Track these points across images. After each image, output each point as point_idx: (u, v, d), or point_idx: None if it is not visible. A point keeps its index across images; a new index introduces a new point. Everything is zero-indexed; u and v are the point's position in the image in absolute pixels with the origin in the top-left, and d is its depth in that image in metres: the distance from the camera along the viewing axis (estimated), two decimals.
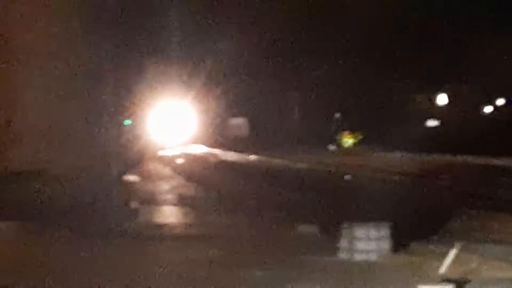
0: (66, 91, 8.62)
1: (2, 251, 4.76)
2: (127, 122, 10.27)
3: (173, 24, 15.75)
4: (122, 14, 9.74)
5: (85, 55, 8.72)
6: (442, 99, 32.57)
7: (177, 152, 17.64)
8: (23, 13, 8.52)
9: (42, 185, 7.13)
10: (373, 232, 4.43)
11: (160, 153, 15.96)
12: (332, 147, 28.94)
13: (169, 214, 8.10)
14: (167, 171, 14.54)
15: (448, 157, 19.02)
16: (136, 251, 5.07)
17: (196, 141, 21.08)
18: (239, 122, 25.06)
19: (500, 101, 30.65)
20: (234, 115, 24.44)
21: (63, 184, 7.01)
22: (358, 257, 4.41)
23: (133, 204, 7.65)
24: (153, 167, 14.93)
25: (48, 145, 8.19)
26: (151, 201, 8.88)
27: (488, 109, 31.88)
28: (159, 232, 6.34)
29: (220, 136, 21.22)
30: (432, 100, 32.70)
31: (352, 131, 29.66)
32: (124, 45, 10.02)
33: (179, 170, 14.38)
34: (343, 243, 4.56)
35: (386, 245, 4.52)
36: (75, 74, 8.72)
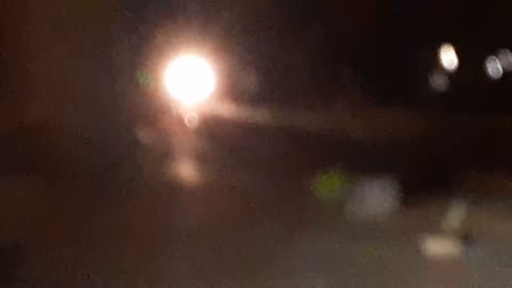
0: (82, 47, 8.78)
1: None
2: (145, 78, 10.45)
3: None
4: None
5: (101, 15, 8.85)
6: None
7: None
8: None
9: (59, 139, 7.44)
10: (379, 189, 4.55)
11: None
12: None
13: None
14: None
15: None
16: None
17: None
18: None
19: None
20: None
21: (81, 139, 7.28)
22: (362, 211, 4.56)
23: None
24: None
25: (64, 100, 8.47)
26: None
27: None
28: None
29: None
30: None
31: None
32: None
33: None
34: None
35: (388, 199, 4.63)
36: (92, 31, 8.84)
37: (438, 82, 10.93)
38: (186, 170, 8.15)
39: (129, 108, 8.65)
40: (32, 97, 8.30)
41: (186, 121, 10.14)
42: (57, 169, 6.23)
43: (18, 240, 3.50)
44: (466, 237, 3.50)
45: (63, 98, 8.42)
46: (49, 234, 3.80)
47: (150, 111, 9.59)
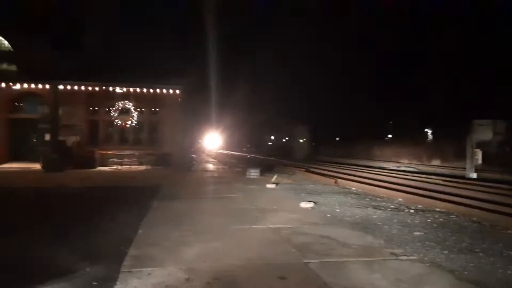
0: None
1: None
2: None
3: None
4: None
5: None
6: None
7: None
8: None
9: None
10: (256, 170, 14.78)
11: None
12: None
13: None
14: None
15: None
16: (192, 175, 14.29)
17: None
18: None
19: None
20: None
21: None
22: (251, 176, 14.74)
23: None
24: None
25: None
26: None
27: None
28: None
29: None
30: None
31: None
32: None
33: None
34: (248, 172, 14.83)
35: (259, 173, 14.97)
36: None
37: None
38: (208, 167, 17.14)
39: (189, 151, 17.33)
40: None
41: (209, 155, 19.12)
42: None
43: None
44: (277, 183, 13.73)
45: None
46: None
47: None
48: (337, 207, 8.88)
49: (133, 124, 21.51)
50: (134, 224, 6.55)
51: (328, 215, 7.82)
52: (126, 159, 20.62)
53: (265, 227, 6.58)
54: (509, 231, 6.62)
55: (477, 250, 5.42)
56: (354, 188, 13.05)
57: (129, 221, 6.84)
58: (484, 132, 30.53)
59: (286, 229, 6.39)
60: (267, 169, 18.79)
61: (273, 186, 12.91)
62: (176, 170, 18.61)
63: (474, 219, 7.68)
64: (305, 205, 8.76)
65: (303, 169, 20.63)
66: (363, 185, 13.44)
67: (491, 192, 11.47)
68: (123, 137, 22.53)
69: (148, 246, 5.27)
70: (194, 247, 5.25)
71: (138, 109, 21.84)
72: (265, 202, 9.41)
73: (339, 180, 15.05)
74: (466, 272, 4.43)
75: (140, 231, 6.16)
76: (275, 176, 14.96)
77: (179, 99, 22.11)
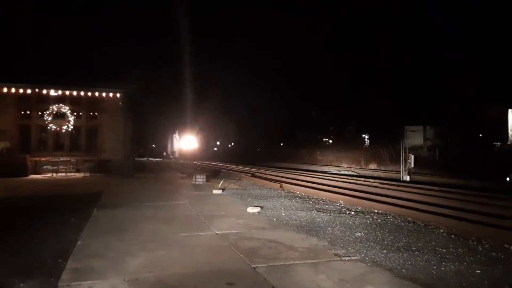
0: None
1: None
2: None
3: None
4: None
5: None
6: None
7: None
8: None
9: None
10: (202, 175, 14.60)
11: None
12: None
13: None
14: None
15: None
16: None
17: None
18: None
19: None
20: None
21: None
22: (197, 182, 14.55)
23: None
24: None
25: None
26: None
27: None
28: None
29: None
30: None
31: None
32: None
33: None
34: (194, 178, 14.60)
35: (205, 179, 14.80)
36: None
37: None
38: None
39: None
40: None
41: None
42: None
43: None
44: (224, 189, 13.67)
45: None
46: None
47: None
48: (282, 211, 9.03)
49: (69, 129, 20.36)
50: (73, 235, 6.18)
51: (275, 219, 7.92)
52: (61, 166, 19.44)
53: (212, 233, 6.51)
54: (441, 230, 7.13)
55: (413, 248, 5.77)
56: (298, 192, 13.35)
57: (66, 232, 6.44)
58: (415, 137, 32.77)
59: (233, 234, 6.37)
60: (213, 174, 18.73)
61: (219, 192, 12.85)
62: (117, 177, 17.87)
63: (410, 219, 8.19)
64: (251, 210, 8.81)
65: (249, 174, 20.77)
66: (307, 189, 13.81)
67: (423, 194, 12.30)
68: (59, 143, 21.24)
69: (88, 258, 4.99)
70: (138, 256, 5.06)
71: (75, 113, 20.74)
72: (211, 208, 9.33)
73: (284, 184, 15.33)
74: (403, 270, 4.70)
75: (79, 242, 5.81)
76: (221, 182, 14.90)
77: (120, 103, 21.33)
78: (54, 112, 20.13)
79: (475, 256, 5.37)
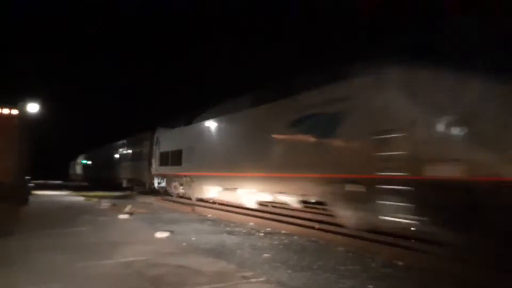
0: None
1: None
2: None
3: None
4: None
5: None
6: None
7: None
8: None
9: None
10: (107, 201, 13.72)
11: None
12: None
13: None
14: None
15: None
16: None
17: None
18: None
19: None
20: None
21: None
22: (101, 206, 13.63)
23: None
24: None
25: None
26: None
27: None
28: None
29: None
30: None
31: None
32: None
33: None
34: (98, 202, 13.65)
35: (109, 203, 13.94)
36: None
37: None
38: None
39: None
40: None
41: None
42: None
43: None
44: (131, 213, 13.02)
45: None
46: None
47: None
48: (193, 235, 8.91)
49: None
50: None
51: (184, 244, 7.78)
52: None
53: (115, 261, 6.16)
54: (340, 248, 7.66)
55: (315, 267, 6.11)
56: (210, 215, 13.30)
57: None
58: None
59: (139, 262, 6.11)
60: (120, 197, 17.75)
61: (126, 216, 12.24)
62: (7, 202, 15.98)
63: (313, 239, 8.66)
64: (160, 235, 8.54)
65: (159, 197, 20.12)
66: (219, 211, 13.82)
67: (324, 214, 13.09)
68: None
69: None
70: None
71: None
72: (117, 234, 8.84)
73: (196, 207, 15.14)
74: None
75: None
76: (129, 206, 14.21)
77: (15, 121, 19.32)
78: None
79: (369, 272, 5.87)
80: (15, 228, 9.37)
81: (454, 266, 5.70)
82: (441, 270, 5.78)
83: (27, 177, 18.44)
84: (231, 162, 12.76)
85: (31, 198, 17.30)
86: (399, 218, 6.65)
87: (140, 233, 9.13)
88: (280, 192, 10.95)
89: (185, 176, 17.08)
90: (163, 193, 20.94)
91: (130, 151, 28.71)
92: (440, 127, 6.07)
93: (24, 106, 18.76)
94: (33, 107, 18.58)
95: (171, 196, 19.61)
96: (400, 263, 6.41)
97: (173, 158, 18.20)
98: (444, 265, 5.85)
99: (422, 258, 6.35)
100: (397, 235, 7.47)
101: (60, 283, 4.97)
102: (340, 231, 8.69)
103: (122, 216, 12.24)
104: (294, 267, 6.10)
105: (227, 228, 10.19)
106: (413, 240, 7.12)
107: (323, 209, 13.63)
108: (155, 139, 21.65)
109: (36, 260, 6.18)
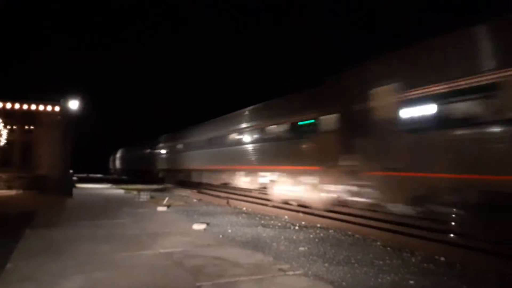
0: None
1: None
2: None
3: None
4: None
5: None
6: None
7: None
8: None
9: None
10: (145, 192, 14.18)
11: None
12: None
13: None
14: None
15: None
16: None
17: None
18: None
19: None
20: None
21: None
22: (141, 199, 14.08)
23: None
24: None
25: None
26: None
27: None
28: None
29: None
30: None
31: None
32: None
33: None
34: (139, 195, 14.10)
35: (148, 196, 14.38)
36: None
37: None
38: None
39: None
40: None
41: None
42: None
43: None
44: (169, 206, 13.37)
45: None
46: None
47: None
48: (229, 227, 9.02)
49: (2, 144, 18.93)
50: (1, 257, 5.71)
51: (221, 236, 7.89)
52: None
53: (155, 252, 6.34)
54: (378, 243, 7.50)
55: (352, 261, 6.02)
56: (244, 208, 13.41)
57: None
58: None
59: (178, 253, 6.26)
60: (158, 190, 18.27)
61: (164, 208, 12.56)
62: (53, 194, 16.83)
63: (349, 233, 8.53)
64: (197, 227, 8.71)
65: (195, 190, 20.50)
66: (253, 205, 13.90)
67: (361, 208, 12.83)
68: None
69: (19, 282, 4.64)
70: (75, 279, 4.79)
71: (8, 127, 19.35)
72: (155, 226, 9.09)
73: (231, 200, 15.31)
74: (344, 283, 4.89)
75: (8, 264, 5.39)
76: (166, 199, 14.59)
77: (59, 117, 20.24)
78: None
79: (409, 268, 5.71)
80: (62, 219, 9.86)
81: (498, 262, 5.44)
82: (486, 267, 5.54)
83: (71, 171, 19.27)
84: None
85: (75, 191, 18.10)
86: None
87: (178, 225, 9.34)
88: None
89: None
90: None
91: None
92: None
93: (65, 102, 19.57)
94: (74, 104, 19.33)
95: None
96: (442, 258, 6.20)
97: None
98: (488, 262, 5.60)
99: (466, 254, 6.11)
100: (437, 230, 7.23)
101: (104, 271, 5.18)
102: (377, 225, 8.51)
103: (160, 208, 12.55)
104: (331, 260, 6.04)
105: (262, 221, 10.23)
106: (452, 235, 6.86)
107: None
108: None
109: (81, 249, 6.47)
